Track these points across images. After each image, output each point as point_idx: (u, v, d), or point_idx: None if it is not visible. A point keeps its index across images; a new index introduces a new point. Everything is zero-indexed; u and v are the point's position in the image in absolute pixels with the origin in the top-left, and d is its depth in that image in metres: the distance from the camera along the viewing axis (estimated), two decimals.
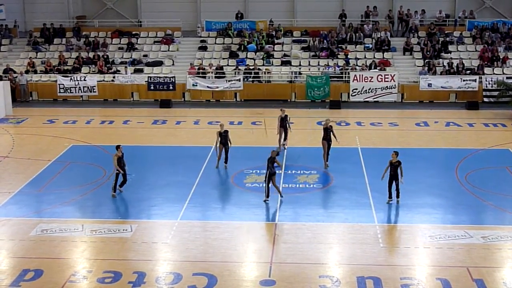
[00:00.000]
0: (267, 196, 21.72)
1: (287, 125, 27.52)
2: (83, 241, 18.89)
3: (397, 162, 21.15)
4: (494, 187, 23.30)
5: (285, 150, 27.40)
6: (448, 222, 20.30)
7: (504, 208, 21.24)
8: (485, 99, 37.90)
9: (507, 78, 37.80)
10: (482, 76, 38.36)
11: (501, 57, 40.22)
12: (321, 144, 25.42)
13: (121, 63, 41.97)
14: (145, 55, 42.95)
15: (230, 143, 25.57)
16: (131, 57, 42.58)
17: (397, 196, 21.46)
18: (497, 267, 17.26)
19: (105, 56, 41.89)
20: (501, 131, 31.78)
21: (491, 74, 38.87)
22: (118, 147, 22.48)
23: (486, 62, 39.98)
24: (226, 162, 25.58)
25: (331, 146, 25.43)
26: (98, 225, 19.98)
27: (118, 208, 21.78)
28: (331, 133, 25.25)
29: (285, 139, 27.63)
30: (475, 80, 38.03)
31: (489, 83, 37.92)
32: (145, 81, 39.45)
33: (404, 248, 18.28)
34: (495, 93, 37.44)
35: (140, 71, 41.08)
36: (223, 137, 25.29)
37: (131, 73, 40.35)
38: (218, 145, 25.47)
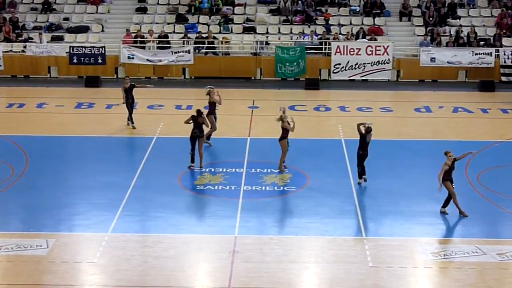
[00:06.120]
0: None
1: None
2: None
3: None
4: None
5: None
6: (455, 235, 20.55)
7: None
8: (503, 78, 38.33)
9: None
10: (500, 48, 38.78)
11: None
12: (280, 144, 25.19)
13: (35, 28, 41.63)
14: (66, 18, 42.64)
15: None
16: (47, 21, 42.26)
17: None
18: None
19: (14, 19, 41.45)
20: None
21: (510, 46, 39.30)
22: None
23: (504, 31, 40.41)
24: None
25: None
26: (4, 240, 19.77)
27: (31, 217, 21.58)
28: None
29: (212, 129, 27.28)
30: (490, 54, 38.45)
31: (508, 58, 38.30)
32: (66, 53, 39.20)
33: (399, 269, 18.40)
34: None
35: (59, 39, 40.81)
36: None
37: (48, 42, 40.05)
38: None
